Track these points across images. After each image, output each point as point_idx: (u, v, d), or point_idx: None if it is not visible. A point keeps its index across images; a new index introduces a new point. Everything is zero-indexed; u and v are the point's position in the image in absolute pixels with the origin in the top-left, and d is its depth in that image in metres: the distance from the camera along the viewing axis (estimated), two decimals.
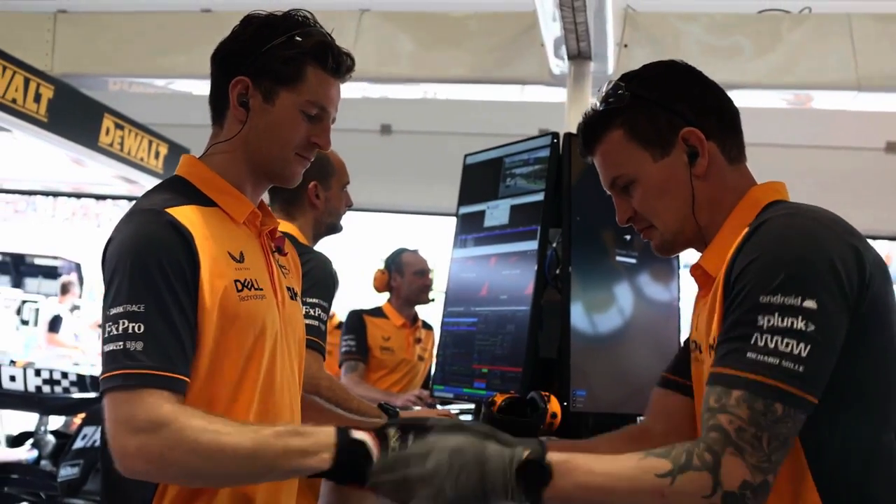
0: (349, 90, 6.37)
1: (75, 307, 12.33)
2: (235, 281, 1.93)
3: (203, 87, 8.11)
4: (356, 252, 5.08)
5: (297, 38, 2.00)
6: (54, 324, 11.79)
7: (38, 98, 5.68)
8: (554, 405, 2.63)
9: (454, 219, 3.77)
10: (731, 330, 1.62)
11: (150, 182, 6.98)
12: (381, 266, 5.86)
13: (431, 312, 5.82)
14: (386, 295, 5.82)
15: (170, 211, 1.88)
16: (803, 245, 1.60)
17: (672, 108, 1.85)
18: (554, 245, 3.22)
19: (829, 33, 5.60)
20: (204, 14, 6.66)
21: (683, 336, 3.41)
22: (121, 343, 1.77)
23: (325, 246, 3.60)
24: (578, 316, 3.14)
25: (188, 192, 1.99)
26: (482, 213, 3.57)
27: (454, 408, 3.62)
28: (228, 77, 2.02)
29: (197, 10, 6.60)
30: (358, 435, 1.74)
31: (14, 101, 5.54)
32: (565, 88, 5.49)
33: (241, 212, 2.04)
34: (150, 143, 6.70)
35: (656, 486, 1.57)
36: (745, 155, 1.91)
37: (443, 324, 3.68)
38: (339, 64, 2.06)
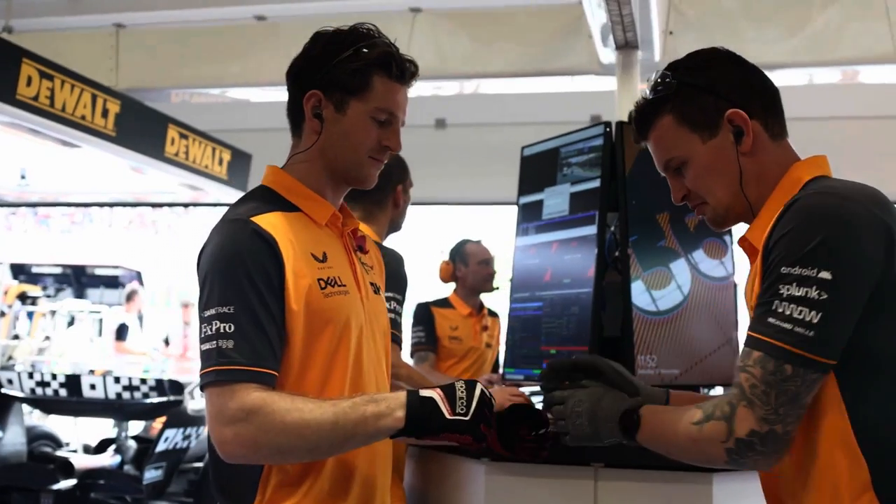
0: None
1: (141, 316, 12.58)
2: (318, 279, 2.09)
3: (259, 94, 8.37)
4: (417, 246, 5.25)
5: (364, 50, 2.15)
6: (121, 332, 11.90)
7: (105, 113, 5.89)
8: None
9: (512, 208, 3.90)
10: (760, 297, 1.81)
11: (215, 188, 7.20)
12: (446, 258, 6.01)
13: (496, 301, 5.99)
14: (451, 286, 5.98)
15: (255, 219, 2.06)
16: (827, 222, 1.76)
17: (716, 92, 2.00)
18: (612, 229, 3.35)
19: (864, 10, 5.67)
20: (258, 22, 6.84)
21: (741, 309, 3.59)
22: (214, 342, 1.97)
23: (392, 240, 3.81)
24: (639, 294, 3.27)
25: (273, 200, 2.16)
26: (541, 202, 3.70)
27: (525, 389, 3.79)
28: (302, 91, 2.18)
29: (251, 17, 6.78)
30: (426, 393, 1.98)
31: (83, 117, 5.74)
32: (613, 77, 5.60)
33: (322, 215, 2.21)
34: (214, 150, 6.90)
35: (691, 432, 1.85)
36: (787, 131, 2.06)
37: (510, 310, 3.80)
38: (403, 71, 2.20)
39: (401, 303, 3.36)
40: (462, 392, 1.98)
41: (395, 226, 3.70)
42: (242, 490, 2.10)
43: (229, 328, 1.97)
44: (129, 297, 12.48)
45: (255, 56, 6.71)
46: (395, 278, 3.32)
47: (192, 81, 6.86)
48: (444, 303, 5.86)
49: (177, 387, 6.81)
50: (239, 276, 2.00)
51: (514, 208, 3.82)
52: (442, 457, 3.06)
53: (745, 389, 1.78)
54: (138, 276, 14.49)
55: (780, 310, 1.75)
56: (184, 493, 7.38)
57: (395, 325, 3.28)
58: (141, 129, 6.16)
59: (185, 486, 7.40)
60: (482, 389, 2.00)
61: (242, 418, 1.93)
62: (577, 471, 2.78)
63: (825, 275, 1.72)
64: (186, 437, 7.05)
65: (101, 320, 11.64)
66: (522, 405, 2.19)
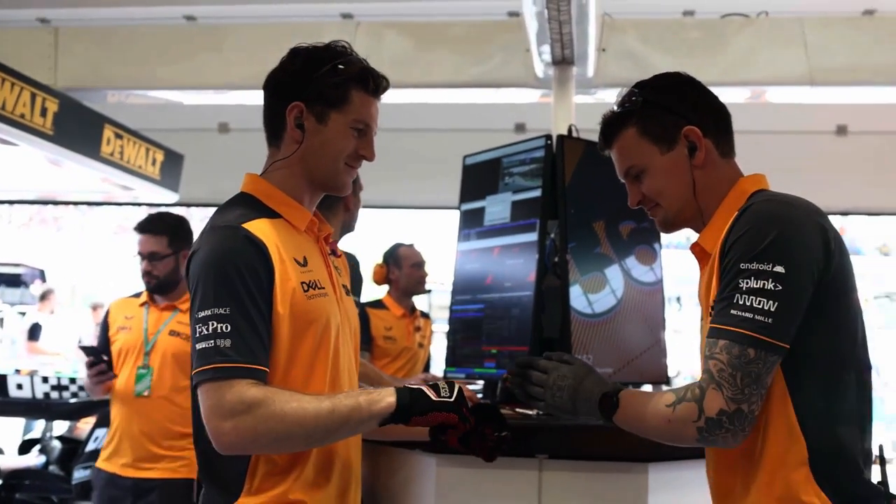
0: None
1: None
2: (302, 283, 2.21)
3: (191, 96, 8.38)
4: (351, 249, 5.31)
5: (341, 66, 2.27)
6: (34, 332, 11.76)
7: (44, 112, 5.87)
8: None
9: (442, 212, 4.05)
10: (722, 292, 2.04)
11: (147, 188, 7.20)
12: (379, 260, 6.14)
13: (426, 302, 6.14)
14: (385, 288, 6.12)
15: (245, 226, 2.16)
16: (777, 224, 2.02)
17: (676, 110, 2.25)
18: (552, 235, 3.52)
19: (783, 33, 6.02)
20: (189, 24, 6.86)
21: (667, 312, 3.81)
22: (211, 341, 2.06)
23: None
24: (576, 298, 3.47)
25: (256, 207, 2.27)
26: (483, 209, 3.86)
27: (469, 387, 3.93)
28: (284, 103, 2.30)
29: (180, 17, 6.81)
30: (412, 384, 2.19)
31: (22, 115, 5.72)
32: (543, 89, 5.82)
33: (302, 221, 2.32)
34: (148, 150, 6.89)
35: (664, 413, 2.07)
36: (735, 151, 2.31)
37: (451, 311, 3.94)
38: (378, 86, 2.33)
39: (358, 304, 3.50)
40: (444, 384, 2.19)
41: (347, 227, 3.82)
42: (232, 480, 2.20)
43: (226, 328, 2.07)
44: (44, 296, 12.26)
45: (186, 59, 6.74)
46: (353, 281, 3.46)
47: (126, 82, 6.88)
48: (378, 304, 6.00)
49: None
50: (233, 279, 2.10)
51: (445, 212, 3.94)
52: (393, 451, 3.18)
53: (713, 374, 2.00)
54: (41, 275, 14.19)
55: (741, 301, 1.99)
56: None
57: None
58: (78, 128, 6.12)
59: None
60: (460, 387, 2.20)
61: (242, 411, 2.03)
62: (523, 462, 2.91)
63: (779, 269, 1.97)
64: None
65: (1, 319, 11.33)
66: (486, 405, 2.36)
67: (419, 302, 6.38)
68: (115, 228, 22.78)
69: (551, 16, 4.44)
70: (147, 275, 4.39)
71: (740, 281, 2.00)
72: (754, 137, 7.71)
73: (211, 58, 6.72)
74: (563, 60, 5.15)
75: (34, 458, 7.42)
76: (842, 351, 2.08)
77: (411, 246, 6.14)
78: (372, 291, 6.19)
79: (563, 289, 3.46)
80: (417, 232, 7.02)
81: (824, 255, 2.02)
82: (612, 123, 2.32)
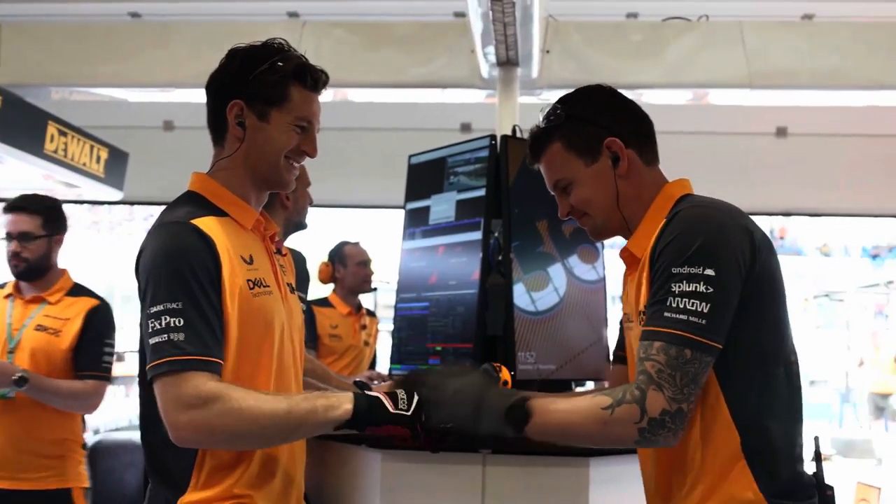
0: None
1: None
2: (248, 280, 2.23)
3: (136, 94, 8.30)
4: (296, 247, 5.33)
5: (279, 63, 2.30)
6: None
7: None
8: (505, 374, 3.00)
9: (388, 211, 4.07)
10: (654, 296, 2.09)
11: (91, 186, 7.12)
12: (325, 259, 6.16)
13: (367, 299, 6.15)
14: (331, 286, 6.15)
15: (194, 222, 2.19)
16: (705, 228, 2.08)
17: (598, 123, 2.31)
18: (496, 234, 3.57)
19: (723, 37, 6.13)
20: (134, 21, 6.82)
21: (610, 309, 3.86)
22: (165, 335, 2.08)
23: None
24: (520, 296, 3.51)
25: (204, 205, 2.29)
26: (428, 208, 3.89)
27: None
28: (224, 102, 2.32)
29: (124, 14, 6.77)
30: (371, 392, 2.20)
31: None
32: (488, 89, 5.88)
33: (248, 219, 2.35)
34: (92, 148, 6.82)
35: (601, 416, 2.07)
36: (659, 158, 2.37)
37: (396, 309, 3.97)
38: (317, 81, 2.36)
39: (305, 301, 3.51)
40: (403, 396, 2.19)
41: (296, 225, 3.83)
42: (178, 474, 2.21)
43: (179, 322, 2.08)
44: None
45: (130, 56, 6.69)
46: (301, 280, 3.47)
47: (70, 79, 6.82)
48: (324, 302, 6.03)
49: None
50: (184, 274, 2.11)
51: (392, 212, 3.96)
52: (339, 446, 3.20)
53: (652, 375, 2.04)
54: None
55: (675, 304, 2.04)
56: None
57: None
58: (21, 125, 6.04)
59: None
60: (419, 398, 2.19)
61: (199, 405, 2.05)
62: (467, 457, 2.96)
63: (710, 271, 2.03)
64: None
65: None
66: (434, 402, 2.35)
67: (366, 300, 6.41)
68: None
69: (496, 17, 4.48)
70: (15, 257, 4.01)
71: (672, 284, 2.05)
72: (696, 139, 7.92)
73: (156, 55, 6.67)
74: (508, 61, 5.20)
75: None
76: (772, 347, 2.15)
77: (357, 244, 6.17)
78: (318, 289, 6.18)
79: (506, 287, 3.50)
80: (364, 231, 7.01)
81: (750, 256, 2.08)
82: (538, 138, 2.38)
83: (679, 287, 2.04)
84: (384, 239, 3.94)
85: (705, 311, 2.02)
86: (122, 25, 6.81)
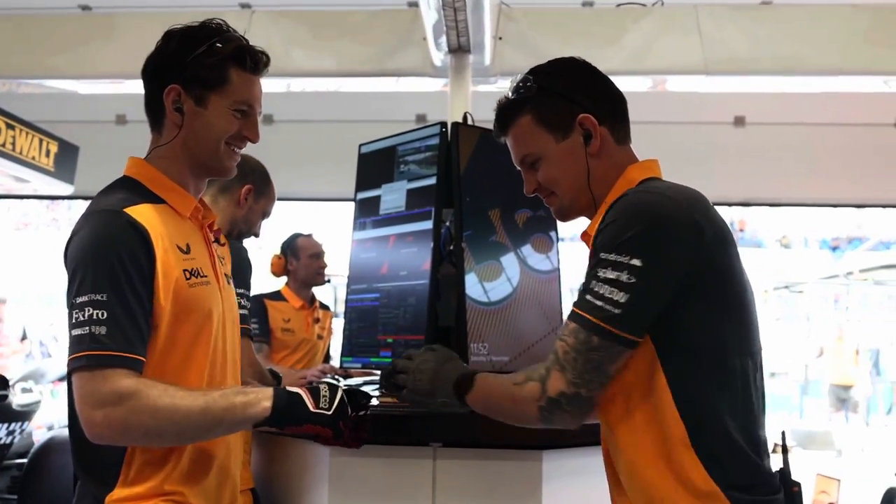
0: None
1: None
2: (184, 270, 2.19)
3: (87, 86, 8.20)
4: (251, 240, 5.29)
5: (217, 45, 2.24)
6: None
7: None
8: None
9: (342, 203, 4.02)
10: (585, 278, 2.05)
11: (41, 180, 7.03)
12: (277, 251, 6.09)
13: (325, 293, 6.10)
14: (283, 279, 6.07)
15: (127, 210, 2.12)
16: (644, 218, 2.02)
17: (571, 97, 2.22)
18: (447, 224, 3.51)
19: (678, 23, 6.08)
20: (84, 13, 6.74)
21: (565, 300, 3.81)
22: (87, 328, 2.03)
23: None
24: (472, 286, 3.43)
25: (140, 191, 2.22)
26: (378, 197, 3.82)
27: (359, 380, 3.91)
28: (161, 87, 2.25)
29: (75, 6, 6.67)
30: (292, 389, 2.16)
31: None
32: (444, 79, 5.82)
33: (186, 207, 2.29)
34: (41, 141, 6.75)
35: (512, 392, 2.11)
36: (631, 137, 2.30)
37: (346, 301, 3.90)
38: (257, 62, 2.31)
39: (248, 297, 3.45)
40: (325, 392, 2.17)
41: (234, 228, 3.77)
42: (106, 470, 2.16)
43: (102, 315, 2.03)
44: None
45: (81, 47, 6.60)
46: (242, 273, 3.40)
47: (17, 71, 6.70)
48: (276, 296, 5.94)
49: (1, 381, 6.61)
50: (113, 265, 2.06)
51: (345, 204, 3.92)
52: (286, 441, 3.15)
53: (559, 356, 2.03)
54: None
55: (596, 289, 2.00)
56: (7, 490, 7.14)
57: (246, 319, 3.36)
58: None
59: (7, 483, 7.17)
60: (343, 395, 2.18)
61: (114, 401, 2.00)
62: (417, 451, 2.90)
63: (636, 262, 1.97)
64: (10, 433, 6.83)
65: None
66: (344, 388, 2.33)
67: (323, 294, 6.34)
68: (17, 224, 22.33)
69: (446, 3, 4.42)
70: None
71: (599, 270, 2.01)
72: (653, 128, 7.88)
73: (107, 47, 6.58)
74: (460, 48, 5.17)
75: None
76: (727, 340, 2.07)
77: (310, 236, 6.10)
78: (271, 283, 6.13)
79: (458, 277, 3.43)
80: (318, 223, 6.96)
81: (695, 249, 2.01)
82: (507, 110, 2.30)
83: (604, 273, 2.01)
84: (338, 231, 3.88)
85: (622, 301, 1.98)
86: (71, 17, 6.70)
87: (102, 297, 2.04)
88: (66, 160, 7.20)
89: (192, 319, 2.19)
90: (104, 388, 2.01)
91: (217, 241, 2.43)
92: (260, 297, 5.77)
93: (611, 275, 1.99)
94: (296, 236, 6.08)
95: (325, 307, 6.18)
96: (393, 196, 3.78)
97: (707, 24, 5.96)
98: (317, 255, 6.02)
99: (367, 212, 3.89)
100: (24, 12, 6.63)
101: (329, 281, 6.02)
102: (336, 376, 4.15)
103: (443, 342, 3.36)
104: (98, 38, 6.59)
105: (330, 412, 2.14)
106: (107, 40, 6.54)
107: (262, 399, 2.11)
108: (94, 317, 2.03)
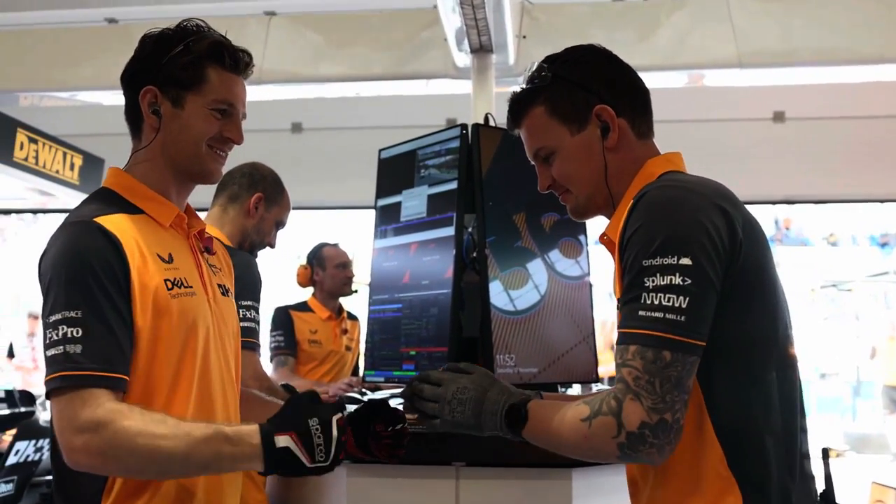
0: (260, 93, 6.48)
1: None
2: (165, 280, 2.07)
3: (112, 97, 8.16)
4: (277, 250, 5.20)
5: (193, 44, 2.15)
6: None
7: None
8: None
9: (370, 211, 3.91)
10: (626, 293, 1.86)
11: (66, 194, 6.99)
12: (303, 262, 6.00)
13: (355, 303, 5.98)
14: (310, 290, 5.97)
15: (98, 220, 2.02)
16: (675, 211, 1.84)
17: (588, 87, 2.07)
18: (469, 230, 3.37)
19: (709, 16, 5.88)
20: (109, 25, 6.70)
21: (596, 307, 3.67)
22: (61, 347, 1.92)
23: None
24: (497, 294, 3.29)
25: (116, 202, 2.13)
26: (399, 204, 3.71)
27: (386, 393, 3.80)
28: (137, 90, 2.17)
29: (101, 20, 6.64)
30: (281, 441, 1.95)
31: None
32: (469, 80, 5.68)
33: (166, 216, 2.19)
34: (66, 154, 6.72)
35: (580, 428, 1.86)
36: (654, 131, 2.14)
37: (369, 312, 3.79)
38: (237, 60, 2.21)
39: (258, 310, 3.32)
40: (319, 438, 1.97)
41: (250, 244, 3.66)
42: (87, 498, 2.05)
43: (77, 332, 1.93)
44: None
45: (106, 59, 6.55)
46: (249, 284, 3.29)
47: (40, 84, 6.68)
48: (302, 306, 5.85)
49: (28, 398, 6.60)
50: (86, 279, 1.96)
51: (373, 212, 3.83)
52: None
53: (628, 383, 1.80)
54: None
55: (649, 301, 1.81)
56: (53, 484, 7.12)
57: (255, 333, 3.24)
58: None
59: (36, 500, 7.16)
60: (335, 424, 1.99)
61: (92, 429, 1.90)
62: (439, 470, 2.78)
63: (685, 261, 1.79)
64: (38, 450, 6.81)
65: None
66: (377, 401, 2.21)
67: (352, 304, 6.22)
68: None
69: (465, 1, 4.30)
70: None
71: (645, 279, 1.82)
72: (690, 126, 7.72)
73: (129, 58, 6.50)
74: (482, 48, 5.07)
75: None
76: (761, 344, 1.90)
77: (336, 246, 5.99)
78: (298, 294, 6.06)
79: (482, 285, 3.29)
80: (344, 232, 6.85)
81: (729, 239, 1.84)
82: (520, 101, 2.15)
83: (653, 281, 1.81)
84: (366, 240, 3.76)
85: (684, 305, 1.79)
86: (96, 29, 6.66)
87: (77, 313, 1.94)
88: (91, 173, 7.16)
89: (177, 332, 2.08)
90: (83, 413, 1.90)
91: (208, 250, 2.32)
92: (286, 309, 5.69)
93: (661, 281, 1.80)
94: (321, 246, 5.98)
95: (353, 317, 6.07)
96: (414, 202, 3.66)
97: (739, 16, 5.76)
98: (343, 264, 5.92)
99: (387, 219, 3.78)
100: (46, 26, 6.58)
101: (357, 291, 5.90)
102: (363, 389, 4.03)
103: (467, 354, 3.29)
104: (125, 49, 6.52)
105: (328, 463, 1.97)
106: (130, 53, 6.48)
107: (252, 458, 1.96)
108: (69, 335, 1.93)
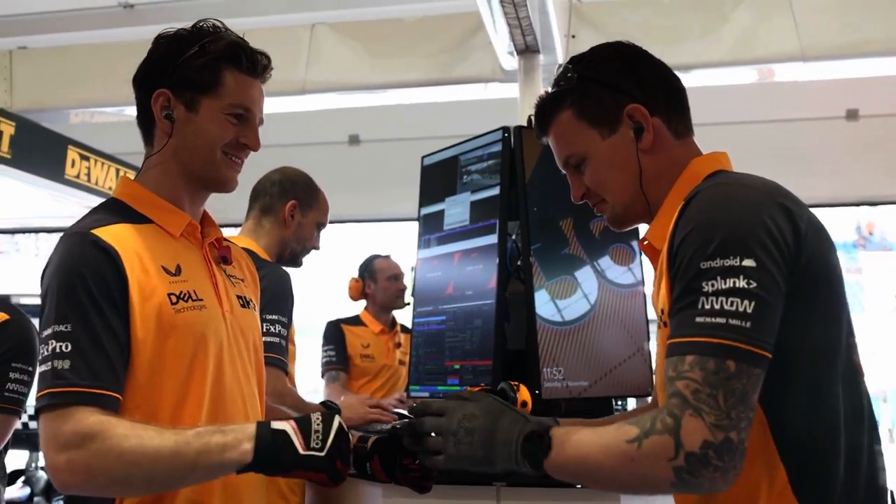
0: (314, 103, 6.37)
1: None
2: (170, 294, 1.98)
3: None
4: (331, 263, 5.11)
5: (209, 46, 2.06)
6: None
7: None
8: (524, 394, 2.64)
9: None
10: (679, 300, 1.68)
11: None
12: (355, 275, 5.93)
13: (407, 316, 5.88)
14: (362, 303, 5.90)
15: (95, 231, 1.94)
16: (733, 209, 1.67)
17: (617, 86, 1.93)
18: (513, 237, 3.26)
19: (770, 8, 5.66)
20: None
21: (651, 316, 3.49)
22: (50, 363, 1.86)
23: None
24: (543, 304, 3.16)
25: (121, 212, 2.05)
26: (442, 212, 3.61)
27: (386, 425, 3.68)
28: (149, 93, 2.08)
29: (149, 38, 6.63)
30: (278, 425, 1.84)
31: None
32: (516, 83, 5.56)
33: (176, 225, 2.10)
34: (118, 171, 6.73)
35: (626, 451, 1.64)
36: (692, 129, 1.98)
37: (413, 325, 3.72)
38: (255, 63, 2.11)
39: (285, 325, 3.20)
40: (318, 425, 1.85)
41: (291, 252, 3.55)
42: None
43: (66, 347, 1.85)
44: None
45: None
46: (278, 298, 3.19)
47: (89, 100, 6.67)
48: (355, 320, 5.79)
49: None
50: (77, 293, 1.88)
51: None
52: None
53: (686, 397, 1.60)
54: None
55: (709, 305, 1.62)
56: None
57: (279, 349, 3.12)
58: (38, 150, 5.97)
59: None
60: (340, 423, 1.86)
61: (76, 444, 1.80)
62: (479, 490, 2.67)
63: (749, 262, 1.61)
64: None
65: None
66: (387, 439, 2.09)
67: (405, 317, 6.11)
68: None
69: (505, 0, 4.16)
70: None
71: (703, 283, 1.63)
72: (758, 127, 7.48)
73: None
74: (527, 49, 4.93)
75: (18, 490, 7.28)
76: (823, 355, 1.71)
77: (388, 257, 5.94)
78: (350, 307, 5.99)
79: (527, 295, 3.16)
80: (402, 244, 6.74)
81: (794, 239, 1.66)
82: (545, 107, 2.01)
83: (713, 285, 1.62)
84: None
85: (749, 310, 1.60)
86: (145, 44, 6.64)
87: (66, 327, 1.87)
88: None
89: (182, 348, 1.99)
90: (67, 428, 1.81)
91: (224, 259, 2.21)
92: (337, 323, 5.62)
93: (723, 284, 1.61)
94: (373, 258, 5.93)
95: (407, 330, 5.95)
96: (457, 210, 3.55)
97: (800, 7, 5.52)
98: (395, 276, 5.85)
99: (431, 228, 3.68)
100: (92, 40, 6.58)
101: (409, 304, 5.79)
102: (413, 405, 3.89)
103: (512, 367, 3.15)
104: None
105: (323, 453, 1.82)
106: None
107: (243, 440, 1.82)
108: (58, 350, 1.86)
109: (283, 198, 3.47)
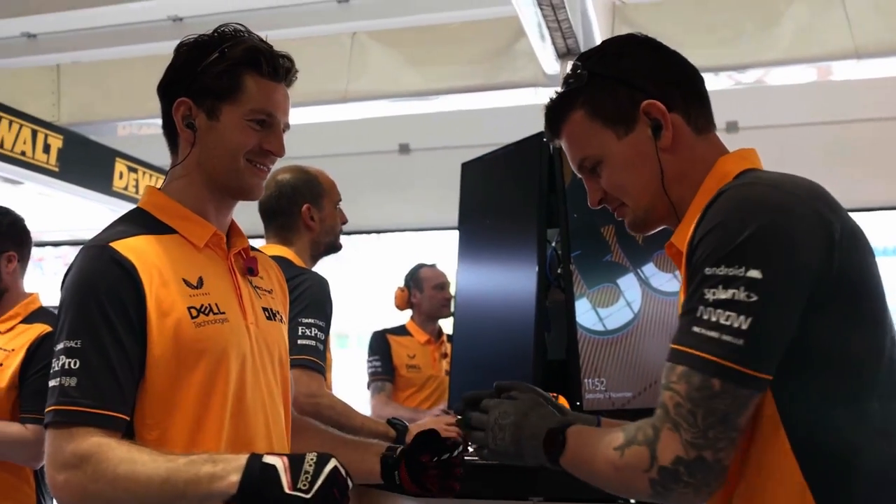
0: (362, 112, 6.29)
1: None
2: (190, 308, 1.95)
3: None
4: (377, 273, 5.08)
5: (228, 51, 2.02)
6: None
7: (46, 149, 5.86)
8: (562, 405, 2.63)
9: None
10: (684, 305, 1.61)
11: None
12: (401, 284, 5.91)
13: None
14: (408, 313, 5.88)
15: (114, 244, 1.92)
16: (755, 213, 1.57)
17: (630, 82, 1.82)
18: (553, 244, 3.19)
19: (822, 5, 5.52)
20: None
21: None
22: (58, 379, 1.83)
23: (343, 270, 3.61)
24: (584, 313, 3.10)
25: (144, 223, 2.02)
26: (482, 219, 3.58)
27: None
28: (170, 103, 2.05)
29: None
30: (270, 459, 1.79)
31: (23, 153, 5.73)
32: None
33: (201, 236, 2.06)
34: None
35: (611, 458, 1.64)
36: (714, 124, 1.88)
37: (453, 334, 3.73)
38: (276, 67, 2.06)
39: (323, 329, 3.14)
40: (310, 465, 1.77)
41: (326, 246, 3.48)
42: None
43: (74, 364, 1.83)
44: None
45: None
46: (316, 303, 3.14)
47: (136, 113, 6.70)
48: (400, 330, 5.78)
49: None
50: (90, 308, 1.86)
51: None
52: (373, 492, 2.83)
53: (668, 410, 1.55)
54: None
55: (705, 316, 1.54)
56: None
57: (316, 352, 3.07)
58: (86, 163, 6.06)
59: None
60: (336, 466, 1.78)
61: (74, 465, 1.79)
62: None
63: (754, 273, 1.52)
64: None
65: None
66: (425, 432, 2.11)
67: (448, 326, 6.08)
68: None
69: (543, 2, 4.10)
70: None
71: (705, 290, 1.55)
72: (813, 129, 7.31)
73: None
74: (569, 52, 4.86)
75: None
76: (857, 368, 1.60)
77: (433, 266, 5.91)
78: (397, 317, 5.97)
79: (568, 304, 3.08)
80: (442, 253, 6.70)
81: (826, 251, 1.55)
82: (556, 108, 1.90)
83: (714, 294, 1.54)
84: None
85: (744, 327, 1.51)
86: None
87: (77, 343, 1.85)
88: None
89: (202, 363, 1.94)
90: (68, 448, 1.80)
91: (251, 270, 2.16)
92: (383, 333, 5.59)
93: (723, 294, 1.53)
94: (419, 267, 5.92)
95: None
96: (495, 217, 3.52)
97: (852, 3, 5.37)
98: (441, 285, 5.82)
99: (470, 236, 3.65)
100: (137, 53, 6.61)
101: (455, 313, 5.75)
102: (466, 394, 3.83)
103: (553, 378, 3.07)
104: None
105: (308, 495, 1.74)
106: None
107: (231, 472, 1.76)
108: (66, 366, 1.84)
109: (293, 207, 3.39)
